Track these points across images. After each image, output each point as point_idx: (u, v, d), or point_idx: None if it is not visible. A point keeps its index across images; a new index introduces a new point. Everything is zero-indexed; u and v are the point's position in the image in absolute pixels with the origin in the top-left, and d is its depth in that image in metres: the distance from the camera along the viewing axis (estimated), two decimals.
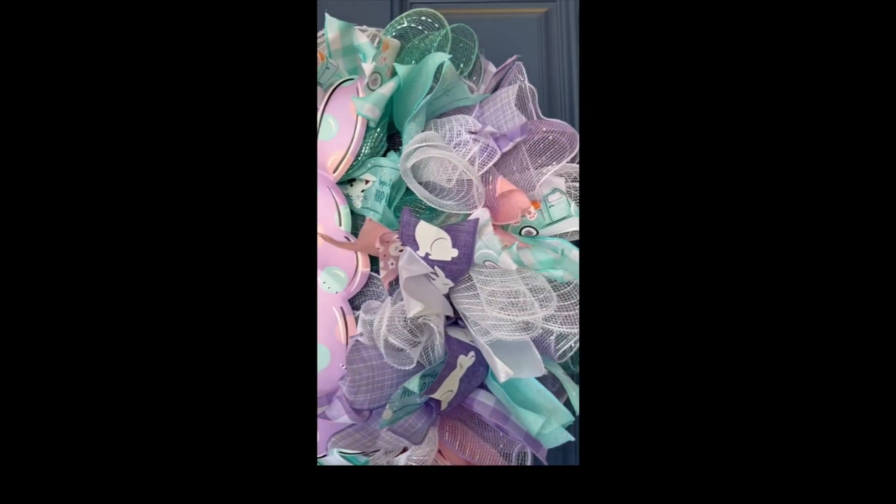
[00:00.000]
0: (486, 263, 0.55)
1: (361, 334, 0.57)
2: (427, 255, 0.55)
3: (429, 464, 0.59)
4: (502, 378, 0.54)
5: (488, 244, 0.53)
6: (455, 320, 0.61)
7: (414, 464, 0.58)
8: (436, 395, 0.55)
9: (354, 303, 0.61)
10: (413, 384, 0.52)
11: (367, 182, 0.64)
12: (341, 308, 0.63)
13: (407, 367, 0.55)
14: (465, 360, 0.57)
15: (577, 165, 0.62)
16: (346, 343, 0.59)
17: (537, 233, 0.61)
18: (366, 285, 0.62)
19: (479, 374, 0.59)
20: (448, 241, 0.54)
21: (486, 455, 0.61)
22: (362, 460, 0.56)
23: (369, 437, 0.54)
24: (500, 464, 0.61)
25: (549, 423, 0.54)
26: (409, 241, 0.54)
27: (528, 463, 0.60)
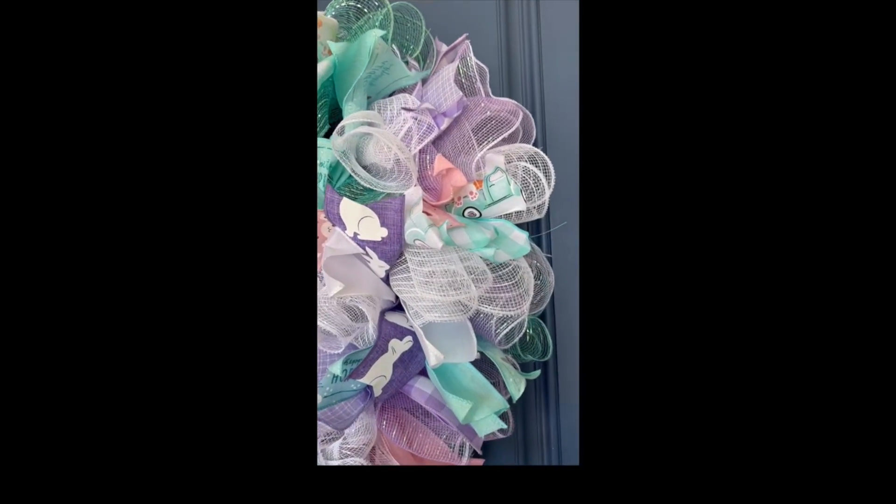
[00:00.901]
0: (417, 243, 0.53)
1: None
2: (356, 234, 0.53)
3: (365, 455, 0.57)
4: (433, 362, 0.52)
5: (416, 222, 0.51)
6: (397, 305, 0.59)
7: (349, 454, 0.56)
8: (366, 380, 0.53)
9: None
10: (336, 367, 0.50)
11: None
12: None
13: (335, 352, 0.53)
14: (400, 345, 0.55)
15: (533, 148, 0.60)
16: None
17: (480, 214, 0.59)
18: None
19: (418, 360, 0.57)
20: (375, 219, 0.52)
21: (432, 447, 0.59)
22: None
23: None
24: (446, 456, 0.59)
25: (480, 410, 0.52)
26: (335, 219, 0.53)
27: (467, 455, 0.57)
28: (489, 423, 0.52)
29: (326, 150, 0.60)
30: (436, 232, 0.51)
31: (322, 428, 0.54)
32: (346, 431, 0.57)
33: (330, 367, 0.50)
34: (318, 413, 0.51)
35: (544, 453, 0.70)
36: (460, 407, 0.51)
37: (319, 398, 0.52)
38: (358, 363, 0.51)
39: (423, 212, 0.53)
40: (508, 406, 0.54)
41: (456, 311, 0.51)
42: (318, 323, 0.52)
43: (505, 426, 0.54)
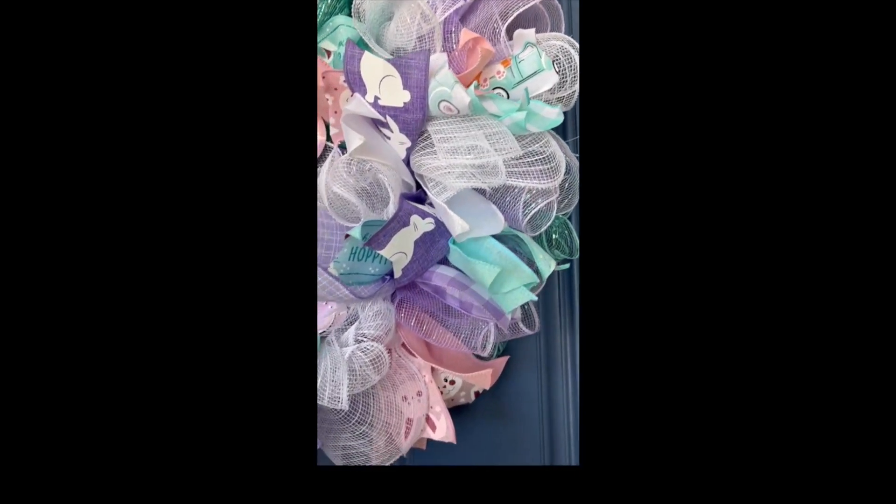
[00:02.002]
0: (442, 106, 0.49)
1: None
2: (377, 98, 0.50)
3: (385, 343, 0.53)
4: (457, 231, 0.49)
5: (441, 81, 0.48)
6: (416, 195, 0.55)
7: (366, 342, 0.52)
8: (385, 253, 0.49)
9: None
10: (356, 231, 0.46)
11: (328, 54, 0.59)
12: None
13: (353, 225, 0.50)
14: (422, 223, 0.52)
15: (566, 36, 0.57)
16: None
17: (508, 95, 0.56)
18: (320, 156, 0.57)
19: (440, 247, 0.54)
20: (398, 79, 0.49)
21: (453, 341, 0.55)
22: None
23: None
24: (461, 351, 0.56)
25: (508, 280, 0.48)
26: (356, 80, 0.49)
27: (490, 347, 0.53)
28: (518, 296, 0.49)
29: (345, 28, 0.57)
30: (462, 89, 0.47)
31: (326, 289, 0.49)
32: (361, 316, 0.53)
33: (351, 232, 0.46)
34: (325, 281, 0.47)
35: (568, 375, 0.67)
36: (488, 273, 0.47)
37: (333, 270, 0.48)
38: (378, 229, 0.48)
39: None
40: (538, 280, 0.50)
41: (487, 174, 0.48)
42: (333, 188, 0.48)
43: (535, 298, 0.50)
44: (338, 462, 0.57)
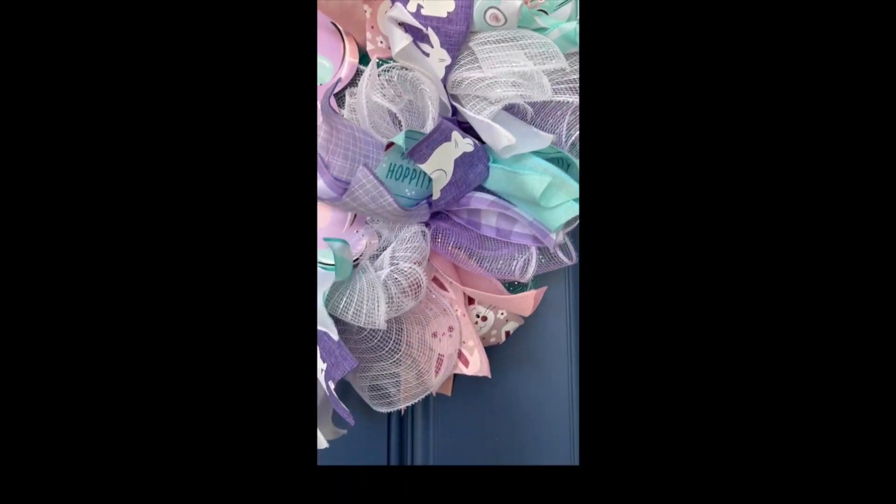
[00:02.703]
0: (489, 15, 0.47)
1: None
2: (419, 8, 0.47)
3: (423, 267, 0.51)
4: (503, 144, 0.46)
5: None
6: (454, 120, 0.53)
7: (403, 265, 0.50)
8: (427, 168, 0.47)
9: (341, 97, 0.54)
10: (399, 138, 0.44)
11: None
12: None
13: (387, 139, 0.48)
14: (462, 141, 0.49)
15: None
16: None
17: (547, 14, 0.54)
18: (353, 79, 0.55)
19: (478, 172, 0.51)
20: None
21: (483, 266, 0.53)
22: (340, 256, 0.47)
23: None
24: (494, 286, 0.53)
25: (556, 194, 0.46)
26: None
27: (531, 272, 0.51)
28: (565, 210, 0.47)
29: None
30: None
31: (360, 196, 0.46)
32: (396, 241, 0.51)
33: (395, 139, 0.44)
34: (370, 184, 0.44)
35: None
36: (538, 183, 0.45)
37: (371, 186, 0.46)
38: (420, 140, 0.45)
39: None
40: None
41: (533, 88, 0.46)
42: (372, 97, 0.46)
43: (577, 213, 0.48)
44: (366, 398, 0.55)
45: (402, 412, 0.59)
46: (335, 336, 0.45)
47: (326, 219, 0.56)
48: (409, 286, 0.49)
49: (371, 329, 0.50)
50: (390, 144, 0.47)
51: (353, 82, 0.54)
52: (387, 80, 0.46)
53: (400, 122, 0.52)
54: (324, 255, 0.56)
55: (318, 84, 0.52)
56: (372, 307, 0.46)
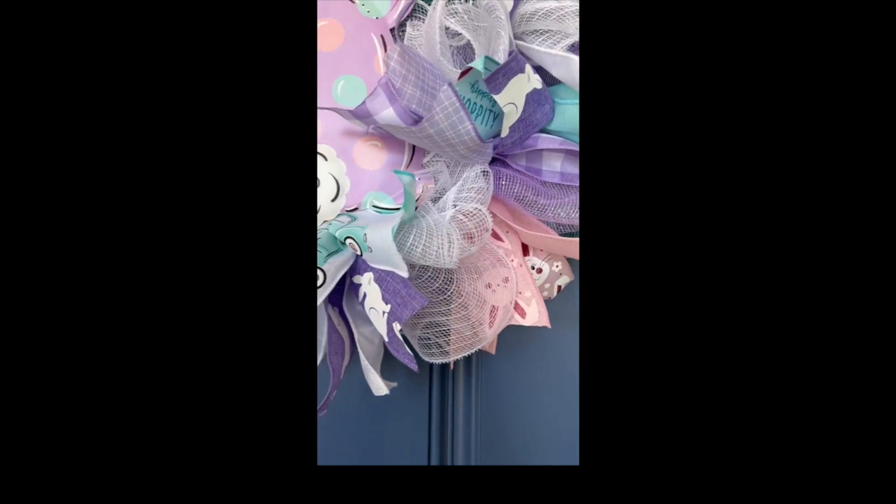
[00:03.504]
0: None
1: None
2: None
3: (487, 204, 0.48)
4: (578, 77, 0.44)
5: None
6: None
7: (468, 205, 0.47)
8: (500, 99, 0.45)
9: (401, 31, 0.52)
10: (478, 63, 0.42)
11: None
12: (381, 36, 0.53)
13: (456, 70, 0.45)
14: (533, 77, 0.47)
15: None
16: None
17: None
18: (412, 12, 0.52)
19: (545, 111, 0.49)
20: None
21: (546, 213, 0.51)
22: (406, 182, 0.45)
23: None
24: (548, 230, 0.52)
25: None
26: None
27: None
28: None
29: None
30: None
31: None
32: (459, 182, 0.48)
33: (473, 64, 0.42)
34: (448, 101, 0.42)
35: None
36: None
37: (452, 109, 0.43)
38: (497, 68, 0.43)
39: None
40: None
41: None
42: (445, 22, 0.43)
43: None
44: (416, 347, 0.52)
45: (452, 366, 0.57)
46: (404, 273, 0.42)
47: (381, 160, 0.53)
48: (476, 227, 0.47)
49: (431, 273, 0.48)
50: (463, 75, 0.44)
51: (412, 16, 0.52)
52: (459, 8, 0.44)
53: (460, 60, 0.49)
54: (378, 198, 0.53)
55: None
56: (441, 245, 0.44)
